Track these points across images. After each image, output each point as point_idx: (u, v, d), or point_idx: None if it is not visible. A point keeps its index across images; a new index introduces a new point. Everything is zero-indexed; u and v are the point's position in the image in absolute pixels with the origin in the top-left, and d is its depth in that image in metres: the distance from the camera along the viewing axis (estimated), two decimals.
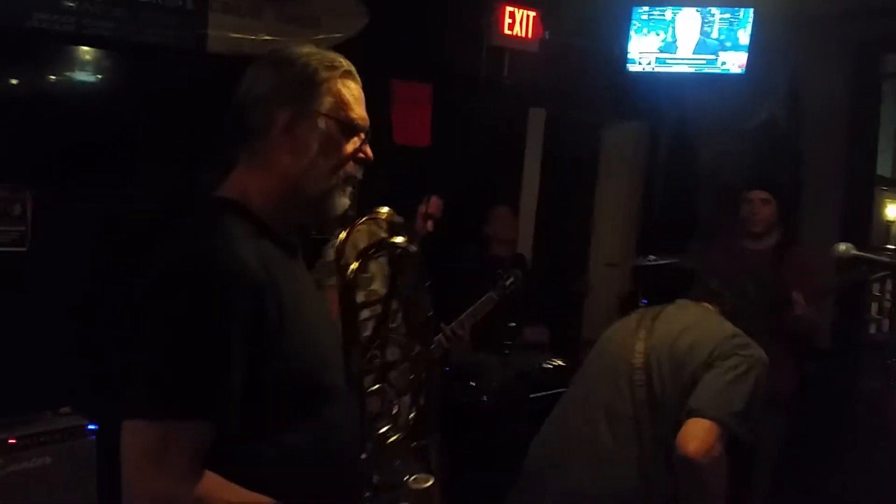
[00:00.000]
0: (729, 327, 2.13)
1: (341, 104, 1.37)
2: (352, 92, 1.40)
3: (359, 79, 1.43)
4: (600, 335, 2.40)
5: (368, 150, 1.43)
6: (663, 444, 2.00)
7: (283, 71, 1.36)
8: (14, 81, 3.22)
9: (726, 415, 1.90)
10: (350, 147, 1.39)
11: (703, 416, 1.91)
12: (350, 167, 1.40)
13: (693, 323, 2.16)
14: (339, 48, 3.86)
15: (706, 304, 2.27)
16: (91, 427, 2.98)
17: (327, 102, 1.36)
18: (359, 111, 1.40)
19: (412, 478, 1.37)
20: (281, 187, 1.35)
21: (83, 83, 3.39)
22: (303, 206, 1.39)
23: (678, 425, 1.95)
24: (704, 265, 2.35)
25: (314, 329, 1.35)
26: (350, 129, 1.39)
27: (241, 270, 1.21)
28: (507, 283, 3.57)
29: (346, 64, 1.41)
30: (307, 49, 1.40)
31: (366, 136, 1.42)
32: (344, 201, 1.41)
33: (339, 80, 1.38)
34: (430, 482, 1.37)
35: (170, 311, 1.19)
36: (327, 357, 1.36)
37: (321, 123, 1.35)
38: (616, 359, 2.20)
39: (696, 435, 1.90)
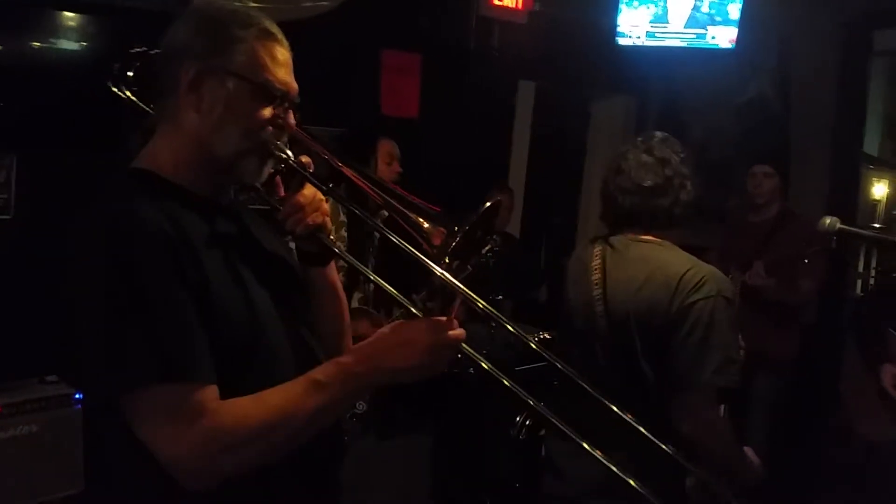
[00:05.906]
0: (675, 266, 1.97)
1: (256, 65, 1.29)
2: (271, 54, 1.31)
3: (285, 43, 1.34)
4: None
5: (291, 118, 1.34)
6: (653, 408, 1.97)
7: (196, 26, 1.30)
8: None
9: (710, 375, 1.86)
10: (266, 112, 1.30)
11: (688, 390, 1.89)
12: (266, 134, 1.31)
13: (641, 274, 2.00)
14: (328, 16, 3.88)
15: (646, 237, 2.07)
16: (77, 395, 2.98)
17: (238, 61, 1.28)
18: (278, 75, 1.31)
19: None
20: (190, 149, 1.30)
21: (67, 49, 3.33)
22: (213, 169, 1.32)
23: (664, 393, 1.93)
24: (606, 184, 2.22)
25: (252, 290, 1.29)
26: (264, 92, 1.30)
27: (150, 228, 1.18)
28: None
29: (267, 24, 1.32)
30: (229, 6, 1.34)
31: (289, 104, 1.33)
32: (262, 169, 1.34)
33: (256, 40, 1.29)
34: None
35: (99, 281, 1.18)
36: (271, 317, 1.30)
37: (229, 83, 1.28)
38: (582, 325, 2.14)
39: (686, 412, 1.89)
